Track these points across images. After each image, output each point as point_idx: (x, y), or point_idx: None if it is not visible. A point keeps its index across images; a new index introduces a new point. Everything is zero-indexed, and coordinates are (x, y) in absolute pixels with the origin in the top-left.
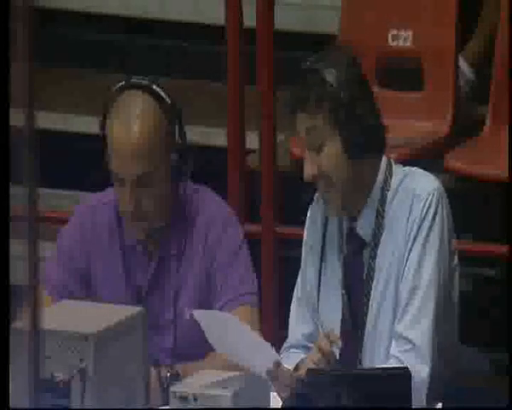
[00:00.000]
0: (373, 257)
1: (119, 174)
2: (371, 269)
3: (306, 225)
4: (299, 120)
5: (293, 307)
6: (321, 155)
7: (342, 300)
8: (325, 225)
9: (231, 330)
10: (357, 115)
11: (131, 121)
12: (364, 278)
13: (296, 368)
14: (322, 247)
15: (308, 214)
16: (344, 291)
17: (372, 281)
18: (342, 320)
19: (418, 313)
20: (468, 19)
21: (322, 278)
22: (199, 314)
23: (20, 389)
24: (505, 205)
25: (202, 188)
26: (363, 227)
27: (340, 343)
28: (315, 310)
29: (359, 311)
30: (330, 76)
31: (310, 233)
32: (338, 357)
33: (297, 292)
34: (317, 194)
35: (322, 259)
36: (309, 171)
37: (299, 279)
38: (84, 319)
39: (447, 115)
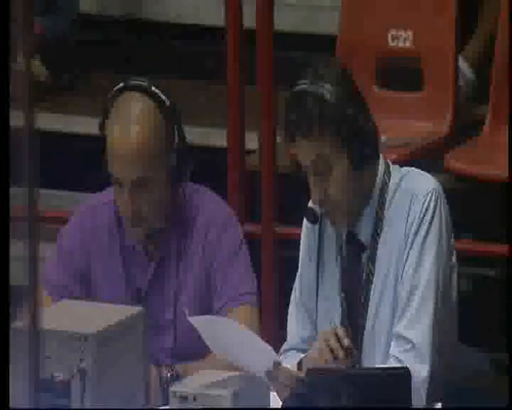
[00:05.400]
0: (372, 260)
1: (118, 177)
2: (370, 272)
3: (303, 228)
4: (302, 150)
5: (291, 310)
6: (329, 178)
7: (341, 302)
8: (322, 228)
9: (229, 334)
10: (359, 127)
11: (130, 124)
12: (363, 280)
13: (300, 364)
14: (320, 250)
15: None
16: (343, 294)
17: (371, 283)
18: (341, 323)
19: (417, 313)
20: (468, 19)
21: (320, 280)
22: (195, 320)
23: (20, 389)
24: (505, 205)
25: (202, 188)
26: (363, 231)
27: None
28: (313, 313)
29: (358, 313)
30: (329, 95)
31: (307, 236)
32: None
33: (295, 295)
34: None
35: (319, 262)
36: (319, 197)
37: (296, 282)
38: (84, 319)
39: (447, 115)
